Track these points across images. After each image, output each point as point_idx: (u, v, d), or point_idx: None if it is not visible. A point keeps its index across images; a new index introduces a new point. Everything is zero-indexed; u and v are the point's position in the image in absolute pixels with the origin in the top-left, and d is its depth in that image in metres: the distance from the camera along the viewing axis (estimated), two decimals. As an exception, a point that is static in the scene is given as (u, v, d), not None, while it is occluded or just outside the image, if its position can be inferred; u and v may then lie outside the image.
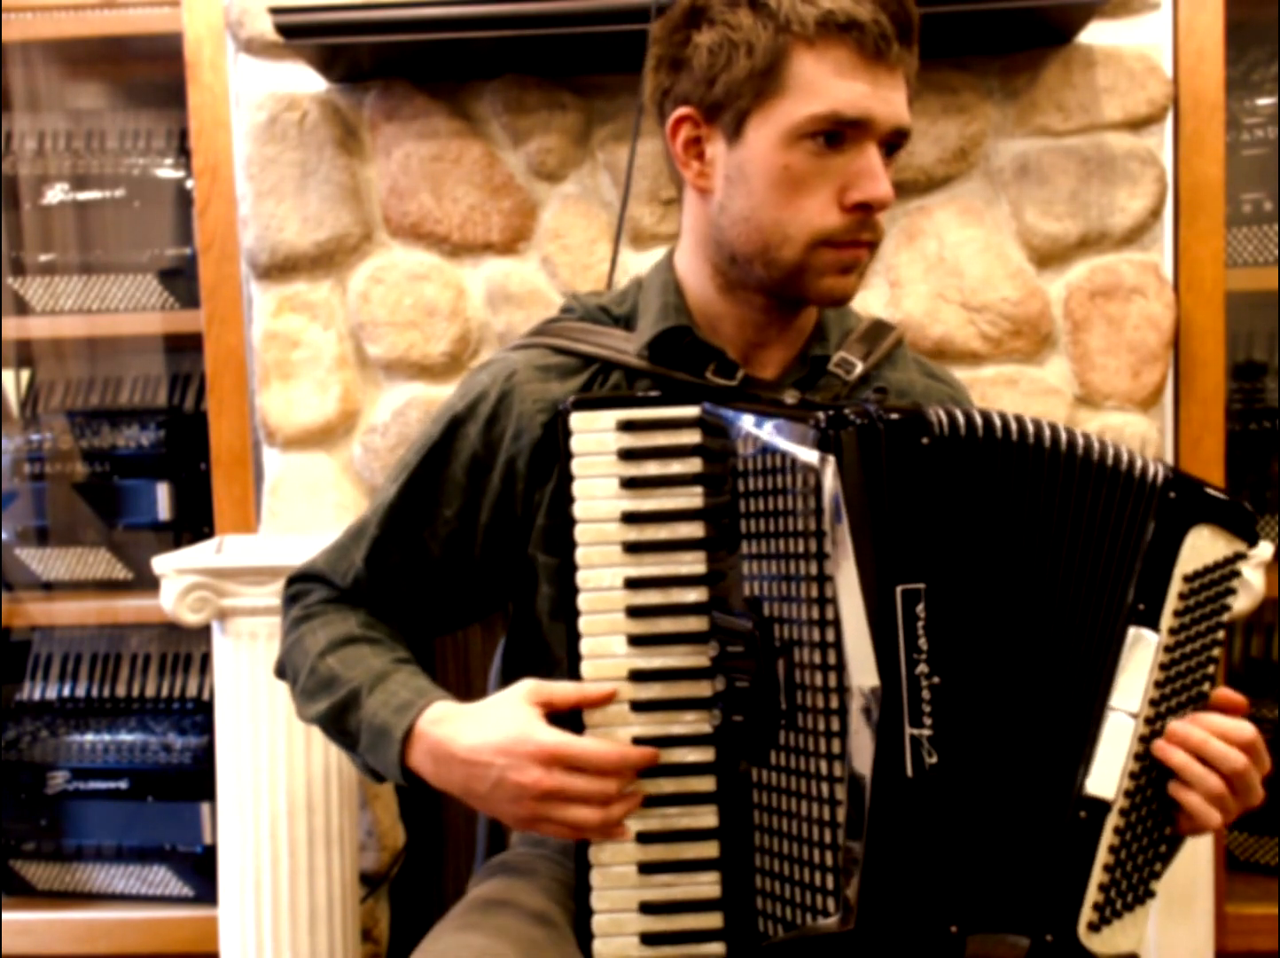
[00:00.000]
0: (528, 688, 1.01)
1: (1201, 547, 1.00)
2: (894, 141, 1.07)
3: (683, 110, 1.08)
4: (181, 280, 2.22)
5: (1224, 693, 1.02)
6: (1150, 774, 0.98)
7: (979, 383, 1.92)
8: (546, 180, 1.96)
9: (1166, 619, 0.99)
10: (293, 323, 1.98)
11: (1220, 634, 1.02)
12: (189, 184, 2.19)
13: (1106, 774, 0.97)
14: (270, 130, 1.95)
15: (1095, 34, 1.88)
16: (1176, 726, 0.99)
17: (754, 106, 1.05)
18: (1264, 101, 2.09)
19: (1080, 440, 0.99)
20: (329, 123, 1.95)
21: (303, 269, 1.97)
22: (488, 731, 0.99)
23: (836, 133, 1.03)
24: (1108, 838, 0.97)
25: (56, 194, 2.25)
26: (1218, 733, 0.98)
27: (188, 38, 2.01)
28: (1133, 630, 0.98)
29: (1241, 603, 1.71)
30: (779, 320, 1.14)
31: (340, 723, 1.11)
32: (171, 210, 2.25)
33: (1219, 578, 1.01)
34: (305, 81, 1.95)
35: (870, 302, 1.94)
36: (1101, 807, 0.97)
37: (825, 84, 1.02)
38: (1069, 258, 1.93)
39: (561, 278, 1.95)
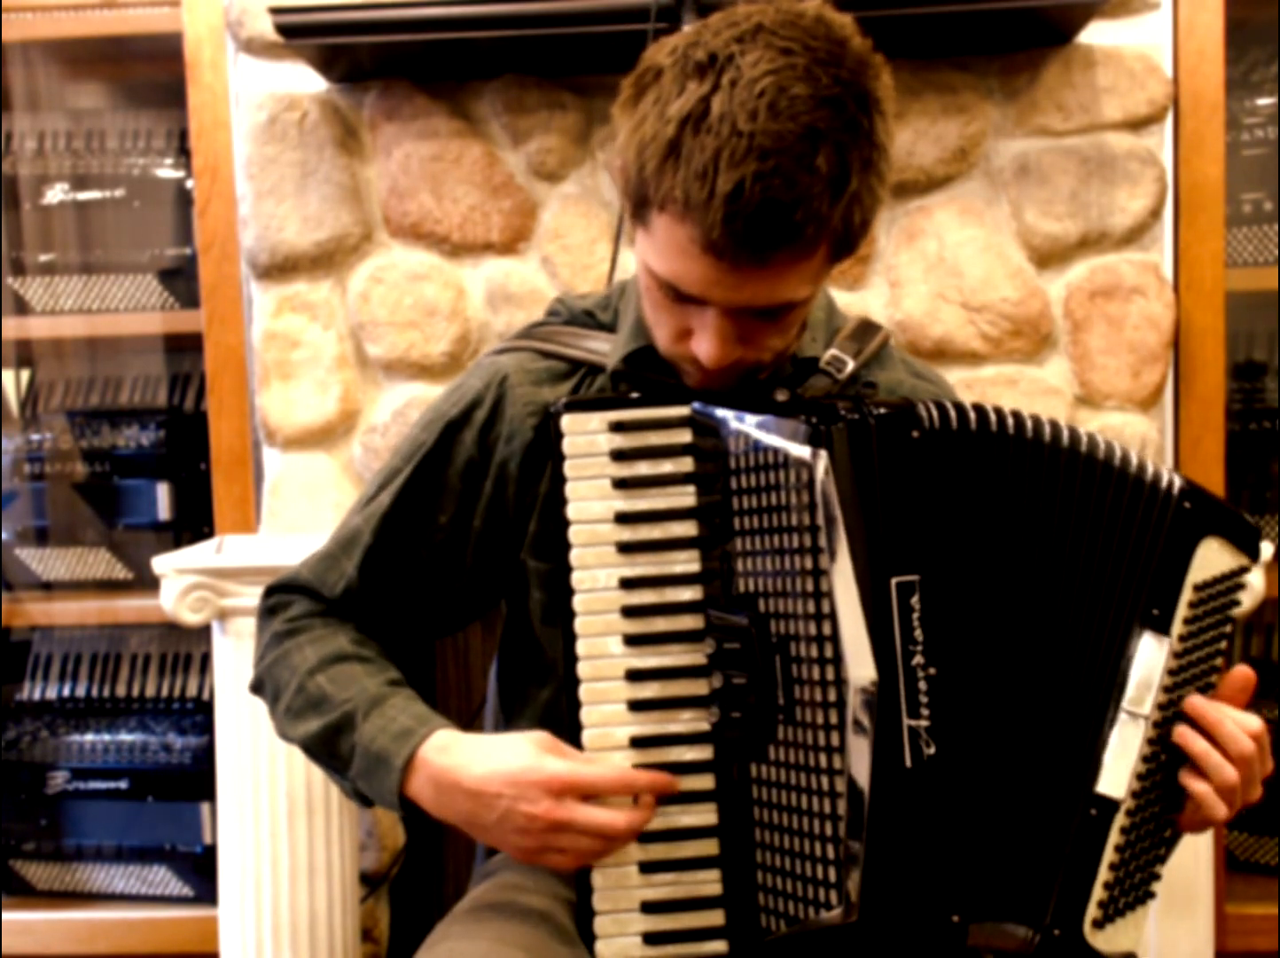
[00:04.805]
0: (539, 737, 0.99)
1: (1211, 558, 1.01)
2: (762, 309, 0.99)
3: (619, 162, 1.01)
4: (181, 280, 2.21)
5: (1232, 675, 1.02)
6: (1156, 777, 1.00)
7: (979, 383, 1.92)
8: (546, 180, 1.96)
9: (1176, 626, 0.99)
10: (293, 323, 1.98)
11: (1223, 645, 1.03)
12: (189, 184, 2.19)
13: (1117, 774, 0.97)
14: (270, 130, 1.95)
15: (1095, 34, 1.88)
16: (1195, 701, 0.99)
17: (636, 214, 0.99)
18: (1264, 101, 2.09)
19: (1085, 439, 0.99)
20: (329, 123, 1.95)
21: (303, 269, 1.97)
22: (497, 761, 0.98)
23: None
24: (1114, 837, 0.98)
25: (56, 194, 2.25)
26: (1231, 719, 0.98)
27: (188, 38, 2.01)
28: (1146, 635, 0.98)
29: (1242, 603, 1.71)
30: None
31: (331, 746, 1.07)
32: (171, 210, 2.25)
33: (1225, 589, 1.02)
34: (305, 81, 1.95)
35: (870, 302, 1.94)
36: (1111, 806, 0.97)
37: (668, 251, 0.96)
38: (1069, 258, 1.93)
39: (561, 278, 1.95)
